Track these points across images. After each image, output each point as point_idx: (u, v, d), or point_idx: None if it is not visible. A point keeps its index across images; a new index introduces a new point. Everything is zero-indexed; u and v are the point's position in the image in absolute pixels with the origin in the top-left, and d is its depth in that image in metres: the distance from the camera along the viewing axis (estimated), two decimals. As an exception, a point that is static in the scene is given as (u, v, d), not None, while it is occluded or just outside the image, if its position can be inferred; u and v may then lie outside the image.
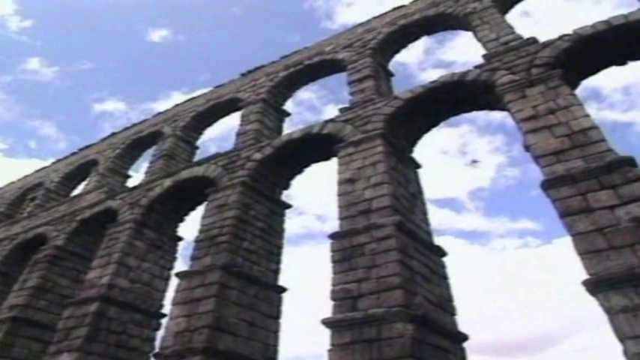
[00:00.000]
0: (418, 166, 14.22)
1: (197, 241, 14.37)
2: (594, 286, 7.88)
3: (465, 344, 9.78)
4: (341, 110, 16.12)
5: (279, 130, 19.42)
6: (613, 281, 7.80)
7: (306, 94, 63.55)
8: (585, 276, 8.07)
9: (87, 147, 29.89)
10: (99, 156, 27.02)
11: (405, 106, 14.67)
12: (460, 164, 59.16)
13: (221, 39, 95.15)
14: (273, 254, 14.26)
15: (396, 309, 8.98)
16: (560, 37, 13.88)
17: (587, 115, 11.00)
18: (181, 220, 18.59)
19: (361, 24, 22.59)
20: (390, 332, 8.74)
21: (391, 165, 12.64)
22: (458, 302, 10.43)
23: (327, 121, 15.94)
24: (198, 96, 25.66)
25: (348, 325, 9.31)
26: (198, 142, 24.07)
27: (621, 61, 13.23)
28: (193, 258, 13.84)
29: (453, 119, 15.19)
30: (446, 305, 10.19)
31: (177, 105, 26.61)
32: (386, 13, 22.33)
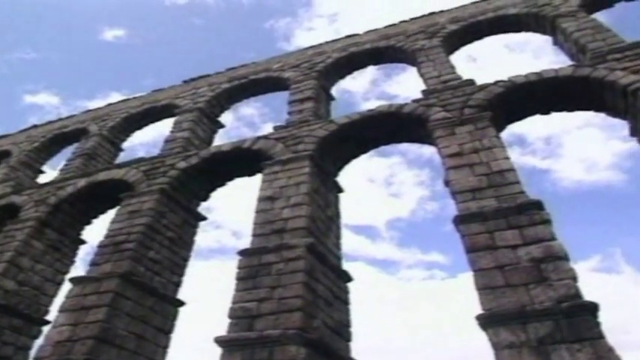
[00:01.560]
0: (341, 190, 14.52)
1: (100, 246, 13.75)
2: (486, 321, 8.22)
3: None
4: (275, 128, 16.31)
5: (210, 141, 19.29)
6: (504, 317, 8.18)
7: (248, 109, 64.77)
8: (480, 311, 8.41)
9: (1, 137, 28.23)
10: (13, 147, 25.53)
11: (339, 131, 15.06)
12: (384, 194, 62.28)
13: (176, 47, 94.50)
14: (177, 266, 13.85)
15: (293, 331, 8.91)
16: (496, 83, 14.92)
17: (507, 158, 11.76)
18: (88, 223, 17.77)
19: (313, 47, 23.29)
20: (282, 355, 8.63)
21: (314, 187, 12.82)
22: (356, 328, 10.53)
23: (259, 137, 16.03)
24: (134, 98, 25.13)
25: (240, 345, 9.11)
26: (126, 146, 23.42)
27: (545, 111, 14.36)
28: (93, 264, 13.19)
29: (385, 149, 15.81)
30: (343, 331, 10.24)
31: (110, 104, 25.88)
32: (338, 39, 23.21)
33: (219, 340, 9.33)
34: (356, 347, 10.13)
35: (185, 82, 24.20)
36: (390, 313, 55.22)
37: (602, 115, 14.08)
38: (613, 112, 13.64)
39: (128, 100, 25.53)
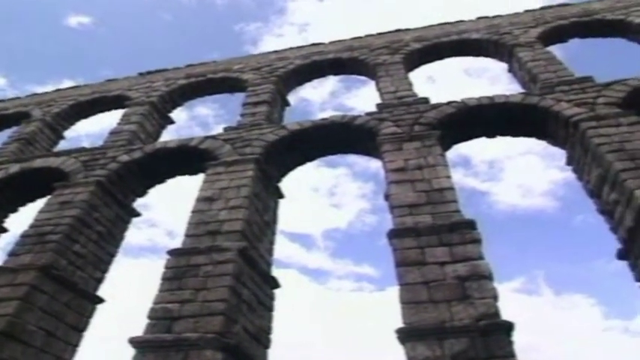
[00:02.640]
0: (281, 196, 14.60)
1: (23, 236, 13.24)
2: (405, 335, 8.42)
3: None
4: (225, 129, 16.30)
5: (158, 136, 19.04)
6: (423, 332, 8.40)
7: (203, 109, 64.67)
8: (401, 325, 8.61)
9: None
10: (-55, 127, 24.32)
11: (289, 137, 15.20)
12: (326, 203, 63.86)
13: (140, 40, 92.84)
14: (102, 262, 13.50)
15: (212, 336, 8.84)
16: (448, 103, 15.46)
17: (449, 177, 12.16)
18: (14, 211, 17.06)
19: (276, 51, 23.50)
20: (197, 359, 8.52)
21: (255, 191, 12.85)
22: (276, 336, 10.55)
23: (207, 137, 15.95)
24: (85, 85, 24.52)
25: (155, 347, 8.95)
26: (70, 135, 22.80)
27: (492, 134, 14.98)
28: (11, 254, 12.67)
29: (332, 160, 16.11)
30: (262, 337, 10.24)
31: (58, 90, 25.14)
32: (303, 46, 23.53)
33: (134, 341, 9.13)
34: (273, 354, 10.14)
35: (141, 74, 23.85)
36: (314, 322, 56.44)
37: (543, 144, 14.83)
38: (554, 140, 14.38)
39: (78, 87, 24.88)
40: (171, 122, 20.39)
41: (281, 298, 11.37)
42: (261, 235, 12.11)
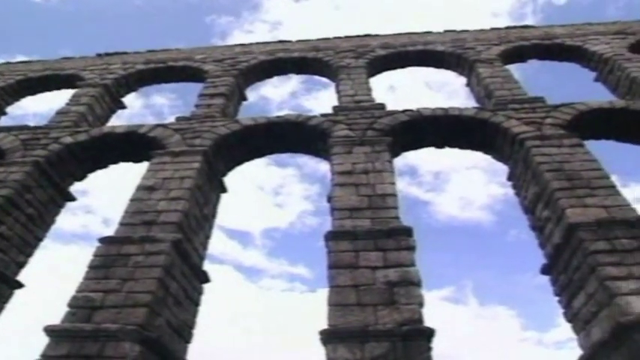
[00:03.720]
0: (225, 190, 14.53)
1: (-54, 214, 12.65)
2: (328, 336, 8.53)
3: None
4: (177, 119, 16.11)
5: (106, 120, 18.61)
6: (346, 335, 8.53)
7: (160, 99, 63.72)
8: (325, 326, 8.71)
9: None
10: None
11: (241, 132, 15.15)
12: (269, 202, 65.77)
13: (107, 22, 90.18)
14: (28, 246, 13.06)
15: (132, 327, 8.70)
16: (404, 111, 15.77)
17: (393, 183, 12.41)
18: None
19: (242, 44, 23.42)
20: (114, 351, 8.38)
21: (198, 183, 12.75)
22: (200, 331, 10.50)
23: (158, 125, 15.73)
24: (37, 61, 23.70)
25: (71, 337, 8.73)
26: (16, 113, 21.95)
27: (441, 145, 15.38)
28: None
29: (282, 159, 16.37)
30: (184, 332, 10.16)
31: (7, 63, 24.21)
32: (269, 42, 23.55)
33: (49, 330, 8.88)
34: (194, 350, 10.08)
35: (99, 55, 23.26)
36: (240, 320, 57.07)
37: (488, 159, 15.35)
38: (499, 155, 14.90)
39: (30, 62, 24.02)
40: (123, 107, 19.96)
41: (210, 294, 11.32)
42: (198, 229, 12.01)
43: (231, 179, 14.94)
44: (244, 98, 19.74)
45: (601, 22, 23.67)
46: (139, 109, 56.54)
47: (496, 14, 71.98)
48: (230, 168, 15.11)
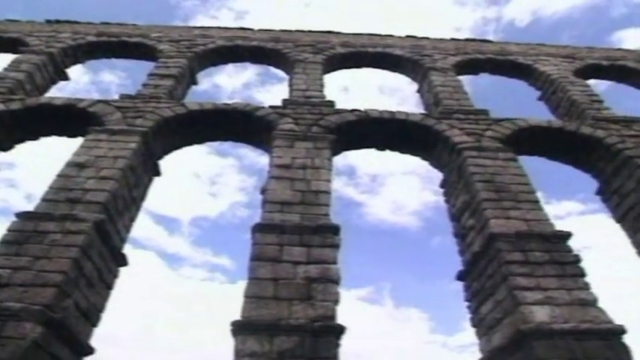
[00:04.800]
0: (158, 174, 14.26)
1: None
2: (239, 328, 8.53)
3: (87, 359, 9.52)
4: (121, 96, 15.64)
5: (45, 90, 17.87)
6: (257, 327, 8.55)
7: (109, 76, 61.80)
8: (238, 318, 8.70)
9: None
10: None
11: (185, 116, 14.88)
12: (203, 191, 65.65)
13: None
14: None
15: (37, 308, 8.40)
16: (352, 111, 15.88)
17: (329, 181, 12.50)
18: None
19: (201, 27, 22.96)
20: (13, 331, 8.06)
21: (132, 165, 12.44)
22: (109, 315, 10.30)
23: (99, 101, 15.22)
24: (-21, 22, 22.43)
25: (-30, 313, 8.35)
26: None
27: (382, 148, 15.62)
28: None
29: (223, 149, 16.25)
30: (92, 315, 9.92)
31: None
32: (230, 28, 23.20)
33: (-52, 303, 8.46)
34: (99, 334, 9.86)
35: (48, 21, 22.27)
36: (153, 306, 56.76)
37: (426, 167, 15.71)
38: (436, 163, 15.28)
39: (-30, 23, 22.72)
40: (66, 79, 19.17)
41: (127, 278, 11.09)
42: (124, 211, 11.71)
43: (167, 163, 14.67)
44: (195, 82, 19.39)
45: (554, 44, 24.64)
46: (85, 85, 54.47)
47: (459, 29, 73.85)
48: (168, 151, 14.81)
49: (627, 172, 14.62)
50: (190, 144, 15.27)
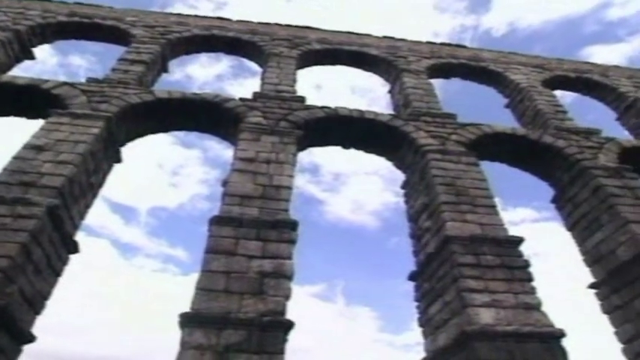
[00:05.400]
0: (119, 161, 14.00)
1: None
2: (187, 320, 8.46)
3: (28, 347, 9.32)
4: (88, 80, 15.26)
5: (8, 68, 17.29)
6: (205, 320, 8.50)
7: (78, 59, 60.25)
8: (187, 310, 8.62)
9: None
10: None
11: (153, 103, 14.62)
12: (165, 181, 64.99)
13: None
14: None
15: (-21, 292, 8.17)
16: (322, 107, 15.87)
17: (291, 176, 12.48)
18: None
19: (178, 14, 22.54)
20: (-47, 314, 7.83)
21: (93, 150, 12.17)
22: (54, 303, 10.09)
23: (65, 83, 14.82)
24: (-53, -7, 21.56)
25: None
26: None
27: (348, 146, 15.68)
28: None
29: (189, 140, 16.06)
30: (37, 302, 9.70)
31: None
32: (207, 17, 22.83)
33: None
34: (42, 322, 9.65)
35: (19, -2, 21.54)
36: (101, 295, 55.92)
37: (389, 167, 15.84)
38: (400, 163, 15.42)
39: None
40: (32, 58, 18.61)
41: (77, 266, 10.85)
42: (80, 197, 11.45)
43: (129, 150, 14.41)
44: (166, 70, 19.07)
45: (525, 54, 25.05)
46: (52, 66, 52.95)
47: (437, 34, 74.29)
48: (132, 138, 14.54)
49: (582, 182, 15.03)
50: (156, 132, 15.03)
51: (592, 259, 13.57)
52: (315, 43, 21.91)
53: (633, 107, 21.81)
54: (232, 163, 12.57)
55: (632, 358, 11.48)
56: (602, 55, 72.14)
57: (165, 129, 15.16)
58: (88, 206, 12.02)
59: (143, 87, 15.73)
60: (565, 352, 9.21)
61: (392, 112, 18.40)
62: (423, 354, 10.60)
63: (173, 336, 8.42)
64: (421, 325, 11.14)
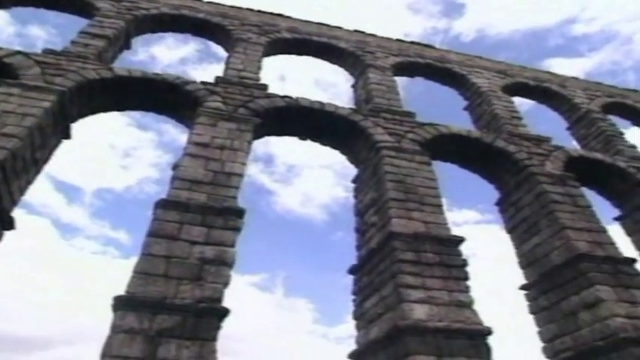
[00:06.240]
0: (68, 137, 13.53)
1: None
2: (121, 303, 8.28)
3: None
4: (44, 51, 14.58)
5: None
6: (140, 303, 8.34)
7: (38, 30, 57.75)
8: (120, 293, 8.42)
9: None
10: None
11: (111, 80, 14.13)
12: (116, 162, 63.00)
13: None
14: None
15: None
16: (283, 97, 15.69)
17: (244, 164, 12.32)
18: None
19: (147, -9, 21.78)
20: None
21: (41, 124, 11.66)
22: None
23: (19, 52, 14.12)
24: None
25: None
26: None
27: (304, 137, 15.61)
28: None
29: (145, 122, 15.61)
30: None
31: None
32: (177, -4, 22.15)
33: None
34: None
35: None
36: (37, 275, 54.66)
37: (343, 162, 15.88)
38: (354, 158, 15.48)
39: None
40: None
41: (13, 244, 10.44)
42: (22, 172, 10.98)
43: (81, 127, 13.89)
44: (129, 47, 18.43)
45: (490, 58, 25.41)
46: (8, 36, 50.50)
47: (407, 34, 74.81)
48: (85, 115, 14.01)
49: (528, 187, 15.43)
50: (111, 110, 14.53)
51: (526, 261, 14.01)
52: (285, 31, 21.60)
53: (584, 119, 22.51)
54: (185, 147, 12.31)
55: (550, 356, 11.96)
56: (563, 68, 74.31)
57: (121, 108, 14.69)
58: (30, 182, 11.55)
59: (103, 63, 15.16)
60: (489, 348, 9.50)
61: (353, 106, 18.31)
62: (354, 347, 10.75)
63: (108, 320, 8.22)
64: (355, 318, 11.27)
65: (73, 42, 15.78)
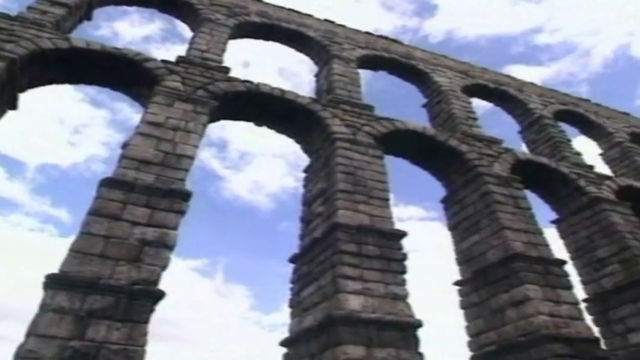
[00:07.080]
0: (15, 107, 12.90)
1: None
2: (53, 281, 8.03)
3: None
4: (1, 15, 13.75)
5: None
6: (72, 282, 8.11)
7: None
8: (54, 271, 8.17)
9: None
10: None
11: (67, 51, 13.48)
12: (63, 138, 60.61)
13: None
14: None
15: None
16: (244, 81, 15.38)
17: (196, 147, 12.07)
18: None
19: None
20: None
21: (-14, 91, 11.08)
22: None
23: (-32, 14, 13.29)
24: None
25: None
26: None
27: (260, 124, 15.44)
28: None
29: (99, 99, 15.10)
30: None
31: None
32: (147, -31, 21.25)
33: None
34: None
35: None
36: None
37: (296, 153, 15.86)
38: (308, 147, 15.44)
39: None
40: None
41: None
42: (-41, 140, 10.47)
43: (29, 97, 13.25)
44: (89, 17, 17.59)
45: (454, 58, 25.64)
46: None
47: (377, 30, 74.43)
48: (35, 85, 13.34)
49: (474, 187, 15.78)
50: (64, 83, 13.91)
51: (464, 258, 14.40)
52: (255, 15, 21.10)
53: (536, 123, 23.12)
54: (138, 125, 11.94)
55: (474, 350, 12.43)
56: (522, 74, 75.84)
57: (75, 81, 14.07)
58: (-34, 151, 10.99)
59: (60, 32, 14.43)
60: (418, 340, 9.76)
61: (314, 96, 18.17)
62: (287, 334, 10.84)
63: (35, 298, 7.96)
64: (291, 306, 11.35)
65: (29, 8, 14.93)
